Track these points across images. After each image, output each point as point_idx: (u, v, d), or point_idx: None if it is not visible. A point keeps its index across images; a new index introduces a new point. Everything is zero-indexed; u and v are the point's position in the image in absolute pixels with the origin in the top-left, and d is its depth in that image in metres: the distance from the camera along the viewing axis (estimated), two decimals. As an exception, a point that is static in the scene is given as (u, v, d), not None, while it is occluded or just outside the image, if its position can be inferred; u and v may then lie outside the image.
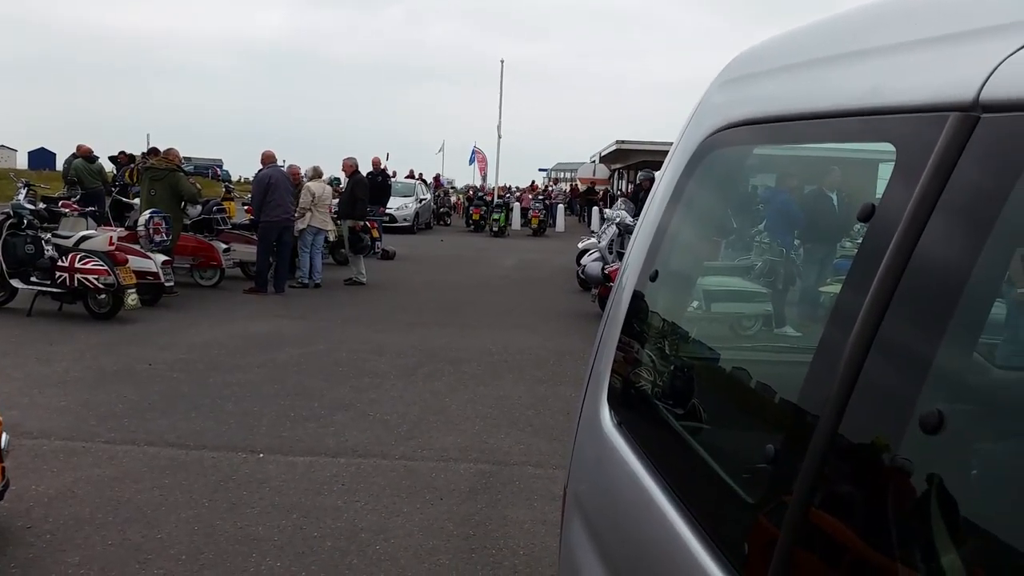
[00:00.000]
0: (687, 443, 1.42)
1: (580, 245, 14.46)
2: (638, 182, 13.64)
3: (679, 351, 1.64)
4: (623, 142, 24.93)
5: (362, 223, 12.14)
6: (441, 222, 27.88)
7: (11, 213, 8.96)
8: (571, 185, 39.12)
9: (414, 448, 5.04)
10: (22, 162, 50.44)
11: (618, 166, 34.79)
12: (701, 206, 1.66)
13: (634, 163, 29.26)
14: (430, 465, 4.76)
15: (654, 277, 1.50)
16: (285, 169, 11.58)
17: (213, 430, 5.14)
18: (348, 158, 12.43)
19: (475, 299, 11.43)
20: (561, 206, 28.92)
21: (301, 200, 11.16)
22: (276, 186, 10.71)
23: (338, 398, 6.03)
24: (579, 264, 13.64)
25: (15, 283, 8.24)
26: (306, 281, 11.40)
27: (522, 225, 25.96)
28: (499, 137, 27.26)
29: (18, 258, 8.22)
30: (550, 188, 36.93)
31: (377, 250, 14.25)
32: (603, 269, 10.02)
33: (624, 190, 32.58)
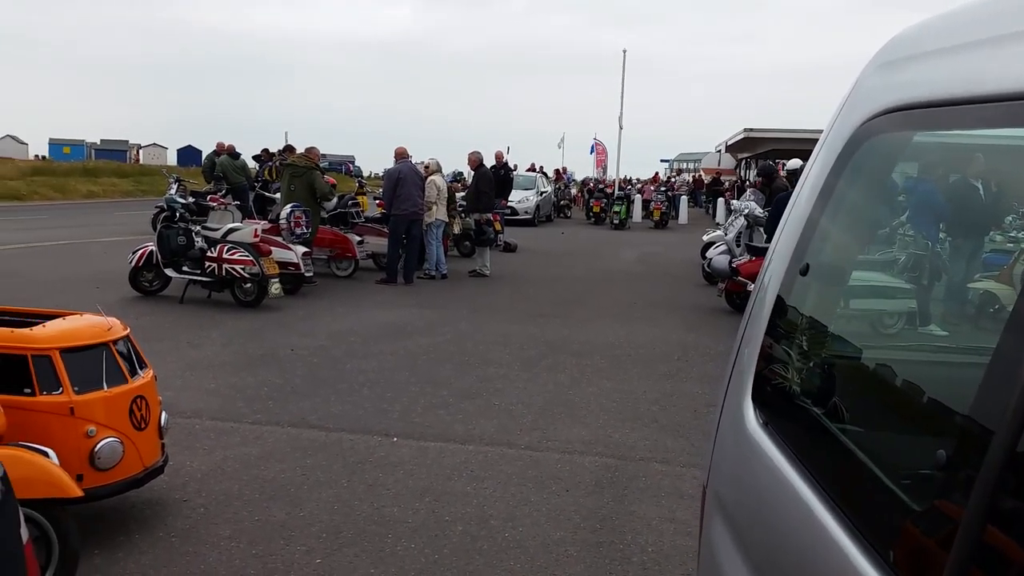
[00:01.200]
0: (841, 444, 1.37)
1: (705, 238, 14.11)
2: (754, 176, 13.14)
3: (832, 349, 1.58)
4: (751, 130, 24.09)
5: (486, 216, 12.33)
6: (561, 215, 27.91)
7: (165, 207, 9.69)
8: (695, 176, 38.22)
9: (539, 439, 5.09)
10: (172, 159, 54.35)
11: (745, 155, 33.66)
12: (856, 197, 1.58)
13: (762, 152, 28.21)
14: (555, 456, 4.79)
15: (804, 272, 1.44)
16: (420, 165, 11.90)
17: (350, 413, 5.38)
18: (473, 152, 12.63)
19: (597, 292, 11.39)
20: (684, 198, 28.29)
21: (427, 194, 11.46)
22: (405, 181, 11.04)
23: (465, 387, 6.17)
24: (704, 257, 13.32)
25: (169, 272, 8.90)
26: (433, 273, 11.70)
27: (643, 217, 25.61)
28: (620, 128, 26.95)
29: (171, 249, 8.87)
30: (672, 179, 36.20)
31: (499, 243, 14.46)
32: (730, 262, 9.74)
33: (753, 180, 31.54)
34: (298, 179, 10.49)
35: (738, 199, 15.14)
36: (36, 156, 47.22)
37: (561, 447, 4.95)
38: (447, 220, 11.82)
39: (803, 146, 22.34)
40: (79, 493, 2.87)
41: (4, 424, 2.90)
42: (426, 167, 11.87)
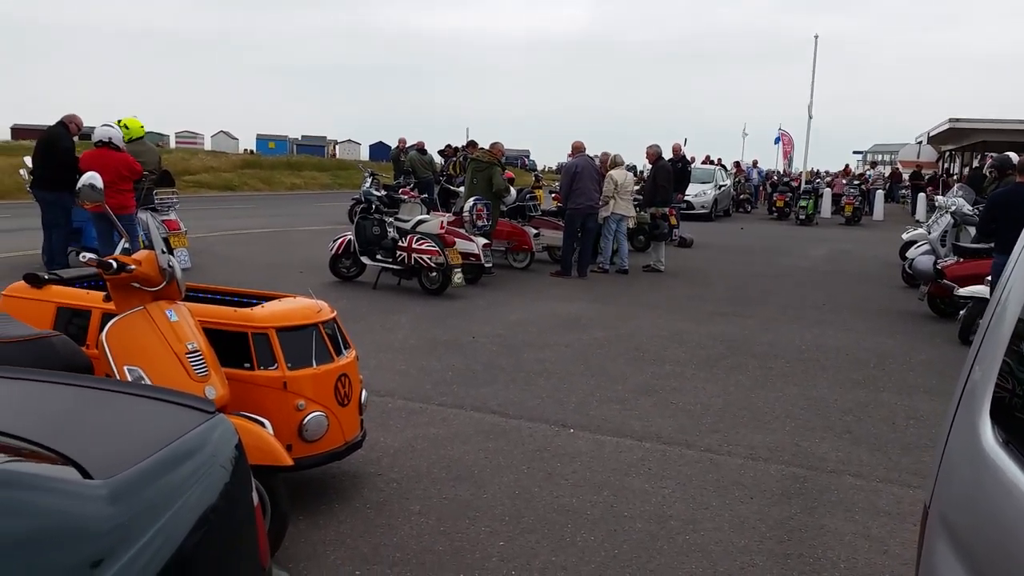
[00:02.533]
0: None
1: (905, 236, 13.05)
2: (987, 168, 11.90)
3: None
4: (957, 120, 21.93)
5: (662, 211, 12.12)
6: (741, 209, 26.88)
7: (362, 199, 10.30)
8: (892, 169, 35.43)
9: (719, 441, 4.93)
10: (364, 154, 57.95)
11: (949, 147, 30.78)
12: None
13: (970, 144, 25.66)
14: (737, 461, 4.62)
15: None
16: (596, 160, 11.90)
17: (528, 402, 5.48)
18: (651, 145, 12.45)
19: (779, 290, 10.86)
20: (880, 192, 26.30)
21: (604, 188, 11.43)
22: (581, 175, 11.09)
23: (640, 383, 6.10)
24: (903, 258, 12.32)
25: (364, 260, 9.48)
26: (607, 267, 11.66)
27: (833, 213, 24.11)
28: (809, 118, 25.54)
29: (367, 239, 9.45)
30: (866, 172, 33.74)
31: (675, 237, 14.16)
32: (935, 264, 8.93)
33: (960, 174, 28.73)
34: (480, 173, 10.83)
35: (943, 195, 13.84)
36: (245, 150, 51.99)
37: (744, 452, 4.77)
38: (626, 215, 11.69)
39: (1017, 138, 20.10)
40: (290, 462, 3.13)
41: (228, 394, 3.22)
42: (602, 161, 11.85)
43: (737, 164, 31.71)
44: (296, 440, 3.51)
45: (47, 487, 1.36)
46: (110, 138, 8.62)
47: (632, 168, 18.83)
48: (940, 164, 35.34)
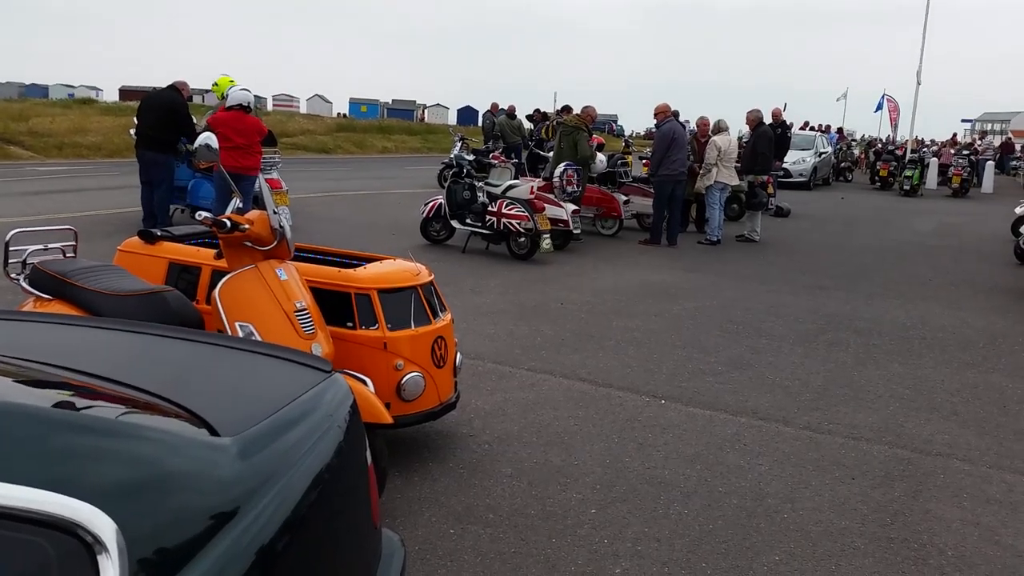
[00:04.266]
0: None
1: (1018, 211, 12.25)
2: None
3: None
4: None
5: (761, 179, 11.73)
6: (841, 178, 25.77)
7: (454, 163, 10.35)
8: (1004, 139, 33.21)
9: (819, 420, 4.77)
10: (452, 118, 58.22)
11: (1077, 115, 28.50)
12: None
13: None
14: (838, 441, 4.47)
15: None
16: (693, 124, 11.57)
17: (618, 371, 5.44)
18: (752, 110, 12.01)
19: (882, 265, 10.39)
20: (991, 163, 24.70)
21: (707, 155, 11.10)
22: (677, 141, 10.80)
23: (734, 356, 5.96)
24: (1016, 234, 11.57)
25: (454, 223, 9.55)
26: (716, 238, 11.32)
27: (939, 184, 22.83)
28: (918, 83, 24.05)
29: (458, 202, 9.51)
30: (976, 142, 31.73)
31: (771, 206, 13.70)
32: (1058, 240, 8.34)
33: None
34: (567, 138, 10.69)
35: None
36: (339, 114, 52.96)
37: (845, 431, 4.61)
38: (728, 183, 11.33)
39: None
40: (390, 420, 3.19)
41: (333, 352, 3.30)
42: (700, 127, 11.51)
43: (840, 131, 30.33)
44: (394, 399, 3.58)
45: (180, 444, 1.41)
46: (249, 103, 8.94)
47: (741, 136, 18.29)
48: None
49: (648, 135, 55.26)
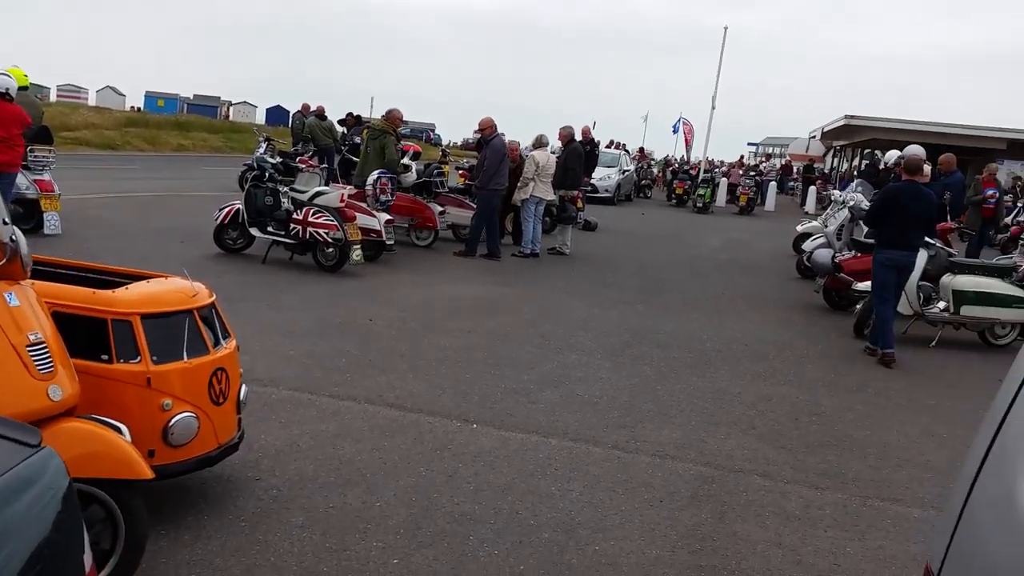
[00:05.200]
0: None
1: (799, 228, 13.37)
2: (887, 163, 12.27)
3: None
4: (853, 117, 22.82)
5: (571, 193, 11.95)
6: (642, 195, 27.19)
7: (255, 166, 9.61)
8: (784, 162, 36.79)
9: (627, 438, 4.74)
10: (260, 117, 55.46)
11: (842, 143, 32.13)
12: None
13: (861, 140, 26.84)
14: (645, 460, 4.44)
15: None
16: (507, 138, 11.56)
17: (428, 394, 5.14)
18: (564, 127, 12.23)
19: (680, 279, 10.90)
20: (773, 184, 27.14)
21: (525, 170, 11.11)
22: (505, 155, 10.83)
23: (547, 373, 5.86)
24: (797, 250, 12.61)
25: (254, 231, 8.83)
26: (536, 250, 11.34)
27: (728, 202, 24.70)
28: (713, 108, 26.00)
29: (258, 208, 8.80)
30: (761, 164, 34.86)
31: (580, 220, 14.03)
32: (833, 257, 9.11)
33: (850, 169, 30.03)
34: (373, 142, 10.25)
35: (840, 189, 14.30)
36: (132, 107, 48.77)
37: (651, 449, 4.59)
38: (544, 198, 11.43)
39: (906, 137, 21.06)
40: (150, 474, 2.68)
41: (78, 391, 2.72)
42: (513, 148, 11.56)
43: (641, 150, 32.10)
44: (160, 445, 3.04)
45: None
46: (7, 89, 7.68)
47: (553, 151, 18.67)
48: (831, 158, 36.93)
49: (465, 146, 55.71)
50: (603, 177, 21.27)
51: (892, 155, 12.84)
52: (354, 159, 14.07)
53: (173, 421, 3.04)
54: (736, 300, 9.61)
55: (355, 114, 18.09)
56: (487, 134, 10.86)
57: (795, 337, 7.87)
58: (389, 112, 10.69)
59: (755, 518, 3.86)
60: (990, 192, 10.86)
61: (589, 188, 17.65)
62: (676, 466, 4.40)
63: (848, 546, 3.64)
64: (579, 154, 12.37)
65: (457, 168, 16.71)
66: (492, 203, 10.81)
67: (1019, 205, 11.02)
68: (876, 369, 6.94)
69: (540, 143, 11.56)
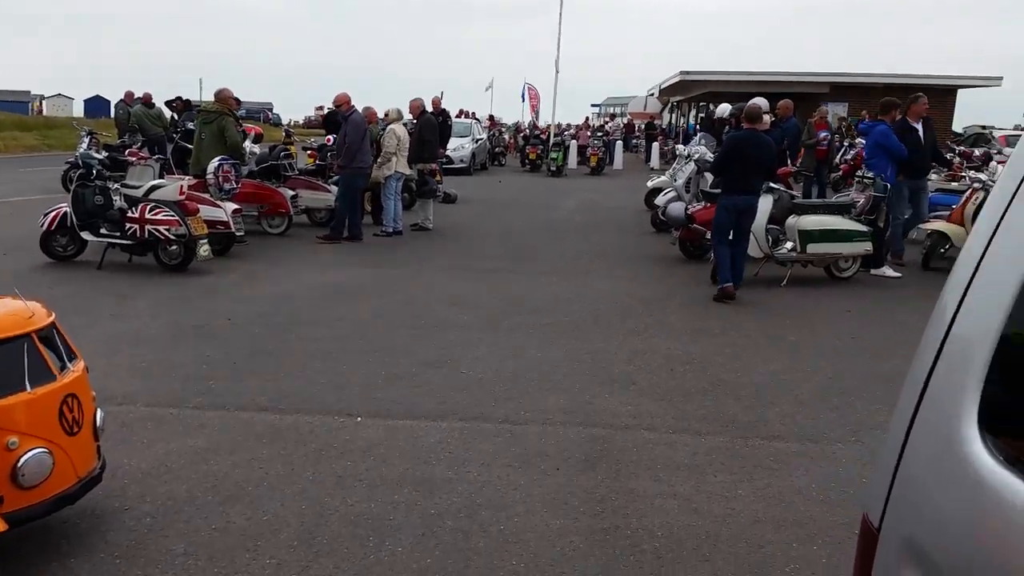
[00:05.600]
0: None
1: (650, 184, 13.82)
2: (723, 115, 12.82)
3: None
4: (687, 72, 23.80)
5: (430, 166, 11.74)
6: (496, 162, 27.29)
7: (79, 163, 8.76)
8: (627, 121, 37.95)
9: (516, 410, 4.70)
10: (78, 110, 51.00)
11: (679, 98, 33.51)
12: None
13: (696, 95, 28.08)
14: (536, 429, 4.42)
15: None
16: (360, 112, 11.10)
17: (304, 391, 4.88)
18: (415, 99, 11.94)
19: (544, 243, 11.00)
20: (619, 143, 27.96)
21: (386, 144, 10.73)
22: (367, 131, 10.39)
23: (427, 354, 5.72)
24: (649, 205, 13.04)
25: (85, 235, 8.07)
26: (391, 229, 11.02)
27: (579, 163, 25.23)
28: (556, 72, 26.32)
29: (87, 210, 8.04)
30: (607, 124, 35.80)
31: (440, 193, 13.86)
32: (686, 210, 9.45)
33: (689, 123, 31.40)
34: (208, 126, 9.56)
35: (684, 143, 14.87)
36: (-79, 108, 43.42)
37: (541, 418, 4.58)
38: (405, 174, 11.16)
39: (738, 88, 22.26)
40: (3, 525, 2.34)
41: None
42: (385, 115, 11.15)
43: (491, 118, 32.11)
44: (9, 489, 2.68)
45: None
46: None
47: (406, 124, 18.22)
48: (668, 114, 38.45)
49: (308, 124, 53.79)
50: (457, 147, 21.14)
51: (724, 108, 13.48)
52: (188, 146, 13.17)
53: (22, 461, 2.68)
54: (599, 259, 9.81)
55: (184, 98, 16.91)
56: (344, 110, 10.39)
57: (658, 290, 8.12)
58: (220, 92, 9.96)
59: (648, 472, 3.93)
60: (823, 135, 11.60)
61: (445, 160, 17.48)
62: (567, 431, 4.41)
63: (739, 488, 3.77)
64: (433, 125, 12.15)
65: (304, 148, 16.02)
66: (357, 183, 10.43)
67: (846, 144, 11.84)
68: (736, 312, 7.28)
69: (398, 116, 11.24)
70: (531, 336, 6.28)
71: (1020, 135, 24.89)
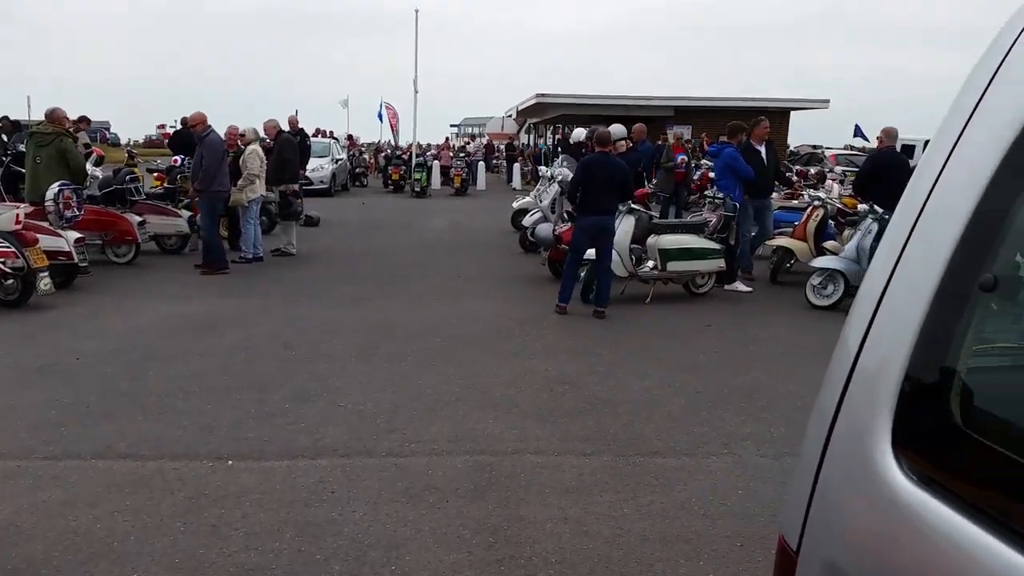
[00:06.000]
0: None
1: (515, 205, 14.05)
2: (580, 139, 13.22)
3: None
4: (544, 95, 24.41)
5: (292, 187, 11.36)
6: (358, 183, 26.83)
7: None
8: (487, 142, 38.48)
9: (400, 442, 4.59)
10: None
11: (535, 120, 34.33)
12: None
13: (552, 117, 28.87)
14: (423, 461, 4.33)
15: (991, 287, 1.09)
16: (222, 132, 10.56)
17: (168, 435, 4.54)
18: (270, 120, 11.58)
19: (416, 266, 10.90)
20: (481, 163, 28.25)
21: (250, 166, 10.22)
22: (225, 153, 9.86)
23: (300, 388, 5.49)
24: (516, 226, 13.22)
25: (-99, 271, 7.19)
26: (250, 256, 10.52)
27: (443, 184, 25.28)
28: (416, 92, 26.22)
29: (-97, 242, 7.17)
30: (469, 145, 36.11)
31: (303, 216, 13.46)
32: (554, 231, 9.65)
33: (540, 145, 32.19)
34: (44, 149, 8.80)
35: (538, 164, 15.21)
36: None
37: (426, 449, 4.50)
38: (267, 195, 10.73)
39: (591, 111, 23.11)
40: None
41: None
42: (242, 135, 10.65)
43: (350, 137, 31.61)
44: None
45: None
46: None
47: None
48: (526, 135, 39.31)
49: (150, 143, 50.75)
50: (317, 168, 20.62)
51: (579, 132, 13.96)
52: (21, 170, 12.10)
53: None
54: (472, 281, 9.82)
55: (11, 118, 15.54)
56: (200, 130, 9.83)
57: (532, 310, 8.22)
58: (52, 112, 9.17)
59: (537, 497, 3.94)
60: (680, 158, 12.18)
61: (305, 180, 16.99)
62: (454, 461, 4.35)
63: (624, 507, 3.84)
64: (293, 145, 11.80)
65: (150, 170, 15.12)
66: (218, 207, 9.89)
67: (693, 164, 12.51)
68: (606, 330, 7.49)
69: (257, 136, 10.79)
70: (409, 363, 6.17)
71: (849, 154, 27.12)
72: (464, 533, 3.55)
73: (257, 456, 4.31)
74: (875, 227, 8.38)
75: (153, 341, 6.55)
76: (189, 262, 10.25)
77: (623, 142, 10.12)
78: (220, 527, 3.51)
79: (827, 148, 31.93)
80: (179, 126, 16.65)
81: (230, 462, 4.22)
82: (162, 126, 50.31)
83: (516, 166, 27.24)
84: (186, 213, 10.95)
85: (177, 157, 12.97)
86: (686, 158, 12.36)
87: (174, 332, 6.86)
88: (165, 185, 12.17)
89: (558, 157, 14.36)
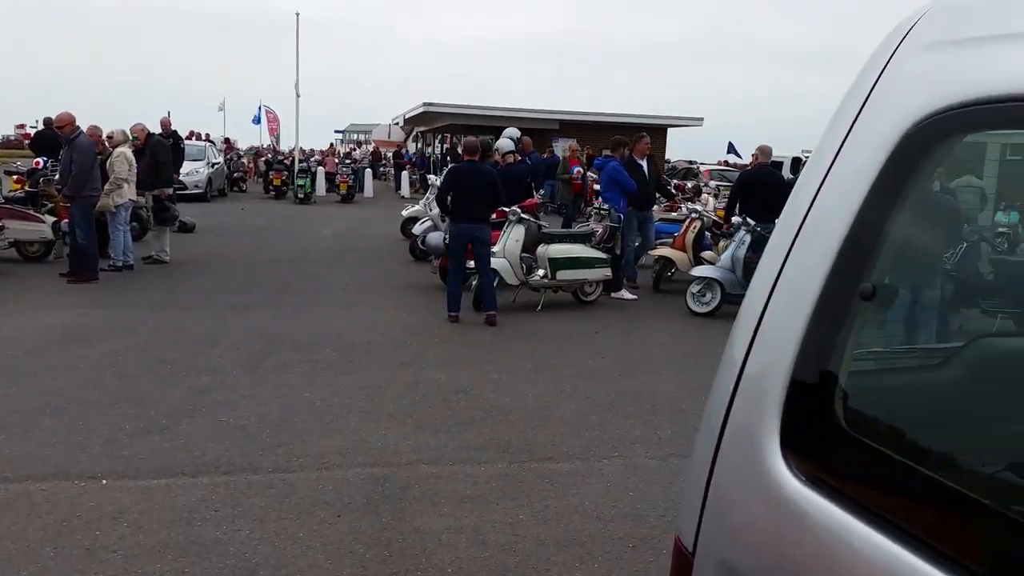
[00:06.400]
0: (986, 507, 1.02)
1: (405, 213, 13.92)
2: (510, 149, 13.32)
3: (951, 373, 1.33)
4: (431, 104, 24.37)
5: (167, 192, 10.82)
6: (236, 188, 25.87)
7: None
8: (373, 148, 37.96)
9: (287, 457, 4.45)
10: None
11: (422, 129, 34.21)
12: (924, 207, 1.30)
13: (440, 126, 28.87)
14: (312, 476, 4.22)
15: (869, 295, 1.17)
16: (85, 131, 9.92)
17: (35, 454, 4.23)
18: (137, 124, 11.01)
19: (301, 274, 10.61)
20: (368, 170, 27.84)
21: (118, 169, 9.63)
22: (96, 156, 9.29)
23: (177, 402, 5.23)
24: (406, 234, 13.10)
25: None
26: (120, 262, 9.92)
27: (328, 191, 24.74)
28: (298, 96, 25.52)
29: None
30: (355, 151, 35.50)
31: (177, 221, 12.86)
32: (445, 239, 9.63)
33: (435, 153, 32.08)
34: None
35: (434, 173, 15.17)
36: None
37: (316, 463, 4.38)
38: (138, 200, 10.17)
39: (477, 121, 23.26)
40: None
41: None
42: (109, 137, 10.02)
43: (227, 140, 30.45)
44: None
45: None
46: None
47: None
48: (413, 143, 39.10)
49: (7, 143, 47.03)
50: (192, 172, 19.74)
51: (506, 143, 14.07)
52: None
53: None
54: (362, 290, 9.65)
55: None
56: (68, 132, 9.20)
57: (424, 318, 8.17)
58: None
59: (432, 508, 3.91)
60: (576, 170, 12.44)
61: (179, 185, 16.21)
62: (345, 474, 4.26)
63: (520, 513, 3.88)
64: (166, 147, 11.25)
65: (8, 172, 14.05)
66: (90, 212, 9.28)
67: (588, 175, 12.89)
68: (498, 338, 7.54)
69: (127, 138, 10.21)
70: (297, 374, 6.00)
71: (723, 169, 28.46)
72: (357, 548, 3.48)
73: (133, 475, 4.08)
74: (748, 238, 8.85)
75: (16, 355, 6.08)
76: (54, 270, 9.59)
77: (511, 155, 10.25)
78: (95, 550, 3.29)
79: (702, 164, 33.42)
80: (41, 126, 15.52)
81: (104, 481, 3.97)
82: (22, 126, 46.77)
83: (404, 174, 27.01)
84: (50, 218, 10.26)
85: (39, 159, 12.14)
86: (582, 170, 12.65)
87: (40, 345, 6.39)
88: (27, 188, 11.33)
89: (447, 166, 14.35)
